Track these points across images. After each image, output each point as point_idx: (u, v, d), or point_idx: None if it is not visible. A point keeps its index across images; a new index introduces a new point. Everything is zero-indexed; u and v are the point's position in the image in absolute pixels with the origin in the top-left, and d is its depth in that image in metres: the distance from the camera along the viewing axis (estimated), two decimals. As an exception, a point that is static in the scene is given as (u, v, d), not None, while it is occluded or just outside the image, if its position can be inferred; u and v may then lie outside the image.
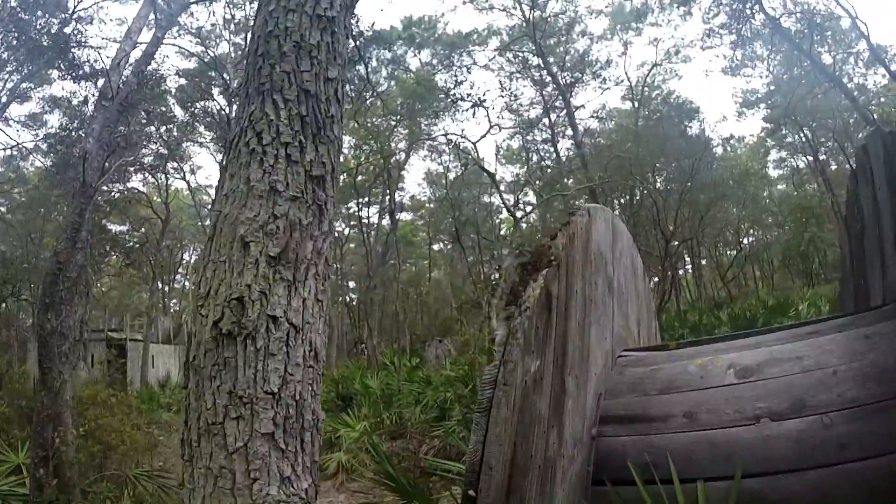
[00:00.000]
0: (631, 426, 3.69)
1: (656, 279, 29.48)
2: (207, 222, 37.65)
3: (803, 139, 39.42)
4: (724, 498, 2.99)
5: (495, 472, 2.61)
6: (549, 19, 33.40)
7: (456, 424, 11.90)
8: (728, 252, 47.69)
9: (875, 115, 27.42)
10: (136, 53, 15.98)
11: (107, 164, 15.61)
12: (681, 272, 40.98)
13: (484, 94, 32.23)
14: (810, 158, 41.17)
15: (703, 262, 45.35)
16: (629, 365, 4.31)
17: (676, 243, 30.16)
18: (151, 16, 16.14)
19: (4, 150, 30.81)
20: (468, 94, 32.59)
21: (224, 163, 3.13)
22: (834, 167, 40.44)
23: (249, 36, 3.37)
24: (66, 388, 9.78)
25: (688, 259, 41.71)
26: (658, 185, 31.35)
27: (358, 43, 23.22)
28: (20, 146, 29.64)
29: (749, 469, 3.07)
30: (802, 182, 45.87)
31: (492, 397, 2.70)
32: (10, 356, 25.23)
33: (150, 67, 18.84)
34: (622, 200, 32.13)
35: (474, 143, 35.95)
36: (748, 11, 30.20)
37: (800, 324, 4.81)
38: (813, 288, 31.32)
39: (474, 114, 34.27)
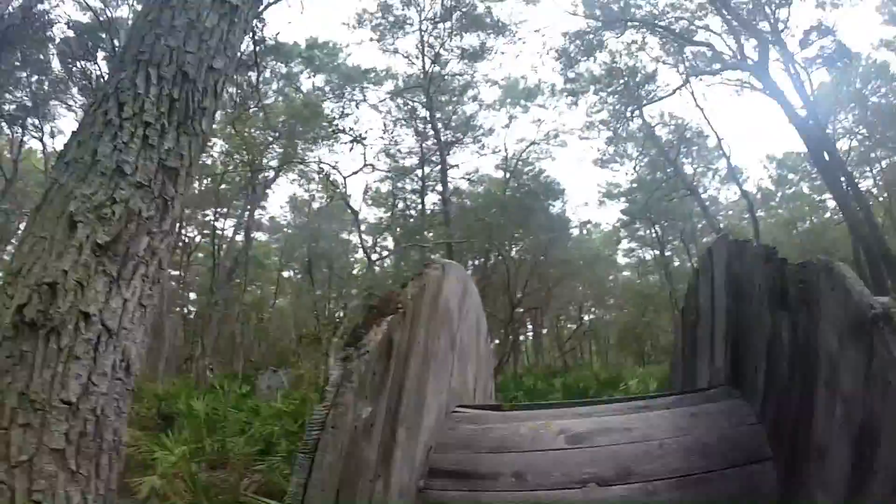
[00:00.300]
0: (459, 481, 3.66)
1: (497, 341, 30.29)
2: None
3: (654, 235, 43.17)
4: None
5: None
6: (446, 77, 34.42)
7: (281, 461, 11.35)
8: (569, 325, 50.00)
9: (721, 225, 30.38)
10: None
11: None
12: (522, 338, 42.42)
13: (366, 133, 32.32)
14: (657, 252, 44.95)
15: (545, 331, 47.29)
16: (462, 421, 4.30)
17: (522, 310, 31.21)
18: None
19: None
20: (350, 129, 32.60)
21: (76, 129, 2.66)
22: (676, 263, 44.29)
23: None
24: None
25: (530, 326, 43.33)
26: (513, 253, 32.49)
27: (258, 48, 22.58)
28: None
29: None
30: (646, 272, 49.75)
31: (318, 440, 2.54)
32: None
33: (41, 6, 17.09)
34: (477, 262, 33.00)
35: (345, 178, 35.71)
36: (628, 114, 32.92)
37: (632, 398, 5.04)
38: (644, 367, 33.35)
39: (352, 149, 34.13)
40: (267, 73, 33.89)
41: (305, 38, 35.78)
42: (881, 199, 36.53)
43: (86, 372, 2.34)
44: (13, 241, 49.36)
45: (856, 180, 27.74)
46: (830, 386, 2.71)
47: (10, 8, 12.32)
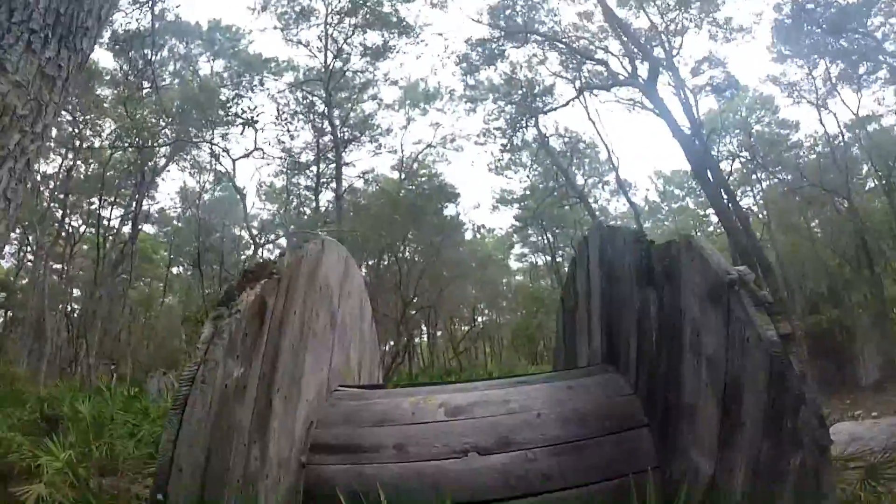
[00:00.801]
0: (342, 455, 3.70)
1: (392, 342, 30.26)
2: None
3: (546, 241, 44.43)
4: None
5: (186, 477, 2.38)
6: (347, 73, 34.05)
7: (175, 464, 10.89)
8: (463, 327, 50.55)
9: None
10: None
11: None
12: (417, 339, 42.57)
13: (257, 114, 31.47)
14: (548, 258, 46.37)
15: (439, 333, 47.60)
16: (344, 398, 4.34)
17: (414, 311, 31.31)
18: None
19: None
20: (243, 111, 31.68)
21: None
22: (567, 269, 45.23)
23: None
24: None
25: (425, 328, 43.50)
26: (406, 253, 32.54)
27: (156, 24, 21.58)
28: None
29: (457, 498, 3.19)
30: (538, 277, 51.10)
31: (188, 395, 2.50)
32: None
33: None
34: (370, 262, 32.81)
35: (234, 160, 34.59)
36: (524, 123, 33.67)
37: (510, 376, 5.21)
38: (536, 366, 34.13)
39: (243, 131, 33.02)
40: (164, 53, 32.79)
41: (207, 18, 34.51)
42: (760, 216, 38.96)
43: None
44: None
45: (737, 198, 29.72)
46: (695, 350, 2.93)
47: None
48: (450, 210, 35.95)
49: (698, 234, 43.30)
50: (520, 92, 32.92)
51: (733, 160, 37.09)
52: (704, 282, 2.81)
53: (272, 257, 3.41)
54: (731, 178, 33.95)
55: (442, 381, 22.60)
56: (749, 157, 36.02)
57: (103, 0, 3.06)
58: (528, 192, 41.06)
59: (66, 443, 12.35)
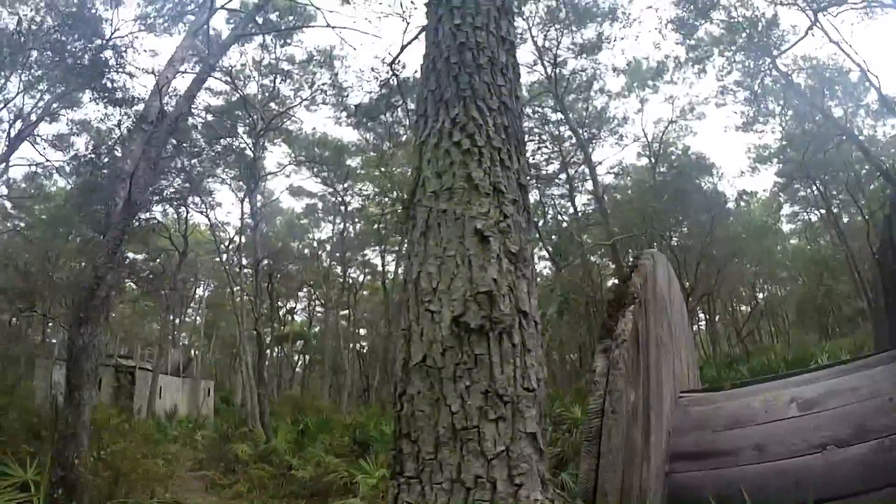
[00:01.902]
0: (701, 461, 3.84)
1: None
2: (224, 258, 38.13)
3: (815, 193, 39.61)
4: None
5: (611, 499, 2.72)
6: (569, 76, 34.07)
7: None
8: (742, 308, 47.42)
9: (887, 166, 27.38)
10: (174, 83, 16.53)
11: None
12: (695, 328, 40.77)
13: None
14: (823, 212, 41.30)
15: (717, 318, 45.11)
16: (692, 404, 4.50)
17: (694, 301, 30.07)
18: (191, 52, 16.59)
19: (30, 166, 31.60)
20: None
21: (416, 164, 3.02)
22: (846, 219, 40.55)
23: (424, 44, 3.40)
24: (85, 408, 9.69)
25: (702, 316, 41.52)
26: (675, 240, 31.47)
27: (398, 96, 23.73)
28: (47, 164, 30.17)
29: (820, 495, 3.20)
30: (815, 235, 45.96)
31: (601, 426, 2.84)
32: (19, 372, 24.77)
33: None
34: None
35: None
36: (761, 69, 30.93)
37: (845, 361, 5.04)
38: (830, 341, 31.04)
39: None
40: (399, 112, 35.40)
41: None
42: None
43: (535, 363, 2.57)
44: (192, 304, 54.40)
45: None
46: None
47: (164, 103, 13.90)
48: (709, 183, 34.44)
49: None
50: (744, 35, 30.35)
51: None
52: None
53: (625, 279, 3.72)
54: None
55: (731, 370, 21.55)
56: None
57: (519, 102, 3.33)
58: (784, 143, 36.83)
59: (377, 461, 14.00)
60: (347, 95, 31.83)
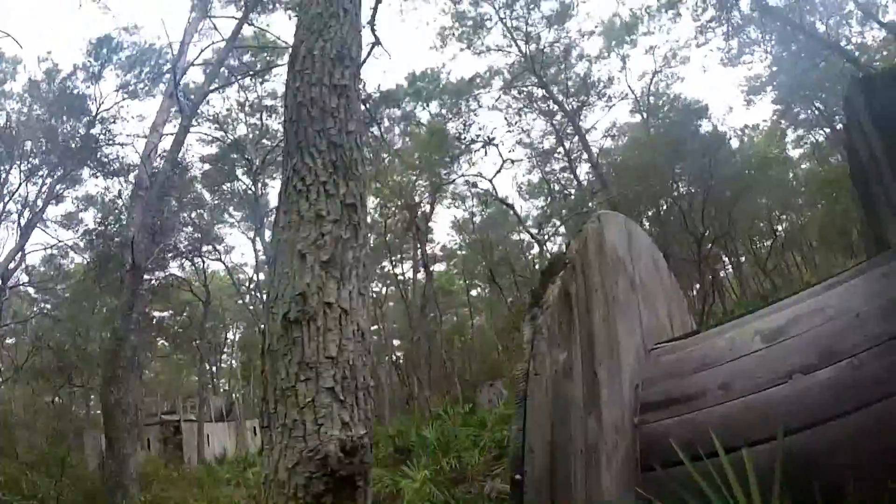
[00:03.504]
0: (670, 409, 3.78)
1: (697, 285, 29.04)
2: (248, 299, 38.59)
3: (816, 112, 38.90)
4: (770, 460, 2.94)
5: (538, 454, 2.92)
6: (545, 50, 34.03)
7: (516, 460, 11.75)
8: (764, 243, 46.58)
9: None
10: (162, 144, 16.86)
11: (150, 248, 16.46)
12: (722, 274, 40.18)
13: (492, 132, 32.86)
14: (827, 130, 40.40)
15: (742, 259, 44.45)
16: (663, 354, 4.44)
17: (709, 245, 29.58)
18: (173, 109, 17.08)
19: (45, 249, 33.58)
20: (477, 136, 33.16)
21: (278, 204, 4.03)
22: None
23: (283, 108, 4.42)
24: (129, 461, 10.20)
25: (726, 260, 40.88)
26: (681, 190, 30.97)
27: (368, 105, 24.28)
28: (60, 245, 32.30)
29: (790, 425, 3.05)
30: (825, 156, 44.63)
31: (526, 388, 3.01)
32: (68, 444, 25.45)
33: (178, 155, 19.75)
34: (650, 213, 31.85)
35: (490, 180, 36.36)
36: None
37: (820, 281, 4.82)
38: (855, 258, 30.29)
39: (486, 153, 34.80)
40: (386, 122, 36.05)
41: (405, 76, 37.11)
42: None
43: (337, 338, 3.28)
44: (225, 350, 55.01)
45: None
46: None
47: (154, 167, 14.52)
48: (705, 127, 33.70)
49: None
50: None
51: None
52: None
53: (559, 249, 3.77)
54: None
55: (763, 306, 21.09)
56: None
57: (353, 134, 4.06)
58: (774, 69, 36.03)
59: (420, 465, 14.03)
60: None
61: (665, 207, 30.44)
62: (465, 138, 34.13)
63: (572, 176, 37.11)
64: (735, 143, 37.78)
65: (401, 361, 49.09)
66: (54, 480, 11.55)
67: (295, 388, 3.16)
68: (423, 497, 11.84)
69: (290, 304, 3.37)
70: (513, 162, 36.99)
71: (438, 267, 51.48)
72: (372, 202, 39.83)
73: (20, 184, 28.60)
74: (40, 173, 28.35)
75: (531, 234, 37.89)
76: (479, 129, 35.52)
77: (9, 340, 35.83)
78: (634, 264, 4.80)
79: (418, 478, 12.85)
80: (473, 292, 53.67)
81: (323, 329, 3.29)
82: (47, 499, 10.29)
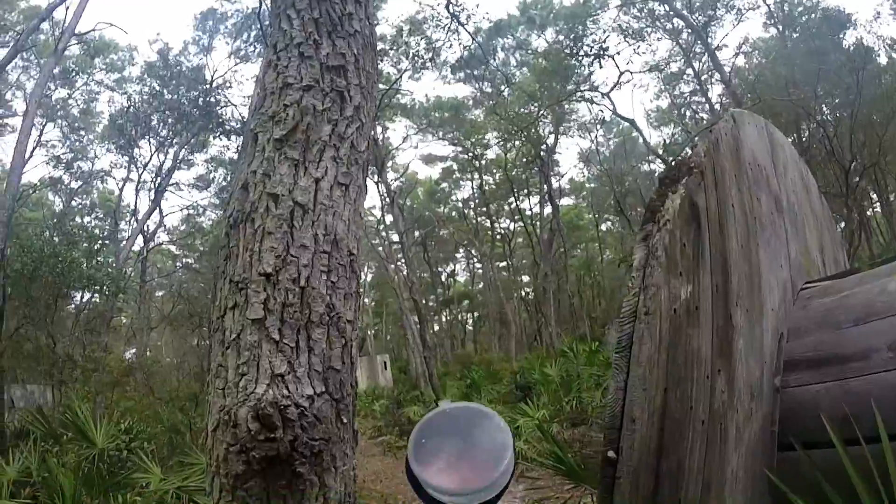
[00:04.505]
0: (822, 370, 2.84)
1: (842, 224, 26.33)
2: (377, 240, 39.48)
3: None
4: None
5: (640, 426, 1.96)
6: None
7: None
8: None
9: None
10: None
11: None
12: (869, 213, 35.98)
13: (605, 42, 31.05)
14: None
15: (892, 197, 39.57)
16: (814, 296, 3.44)
17: (857, 179, 26.52)
18: None
19: (181, 210, 38.10)
20: (590, 48, 31.56)
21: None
22: None
23: None
24: None
25: (874, 196, 36.59)
26: (825, 113, 27.90)
27: (478, 39, 23.61)
28: (194, 204, 36.99)
29: None
30: None
31: (632, 333, 2.05)
32: (205, 381, 27.76)
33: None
34: (791, 139, 28.98)
35: (607, 95, 34.55)
36: None
37: None
38: None
39: (601, 65, 32.61)
40: (501, 55, 35.40)
41: (516, 4, 35.99)
42: None
43: (281, 245, 2.37)
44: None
45: None
46: None
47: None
48: (849, 38, 30.03)
49: None
50: None
51: None
52: None
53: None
54: None
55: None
56: None
57: None
58: None
59: (540, 403, 13.69)
60: (440, 52, 31.63)
61: (808, 133, 27.46)
62: (576, 53, 32.32)
63: (703, 99, 34.45)
64: (883, 60, 33.31)
65: (530, 297, 48.86)
66: (188, 414, 12.11)
67: (223, 318, 2.34)
68: (540, 439, 11.48)
69: (234, 203, 2.57)
70: (632, 73, 35.23)
71: (566, 201, 50.33)
72: (494, 137, 39.25)
73: (151, 155, 32.18)
74: (169, 143, 31.58)
75: (661, 158, 35.80)
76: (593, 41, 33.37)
77: (158, 293, 39.87)
78: (780, 179, 3.76)
79: (537, 416, 12.59)
80: (603, 227, 52.01)
81: (260, 233, 2.39)
82: (183, 429, 10.85)
